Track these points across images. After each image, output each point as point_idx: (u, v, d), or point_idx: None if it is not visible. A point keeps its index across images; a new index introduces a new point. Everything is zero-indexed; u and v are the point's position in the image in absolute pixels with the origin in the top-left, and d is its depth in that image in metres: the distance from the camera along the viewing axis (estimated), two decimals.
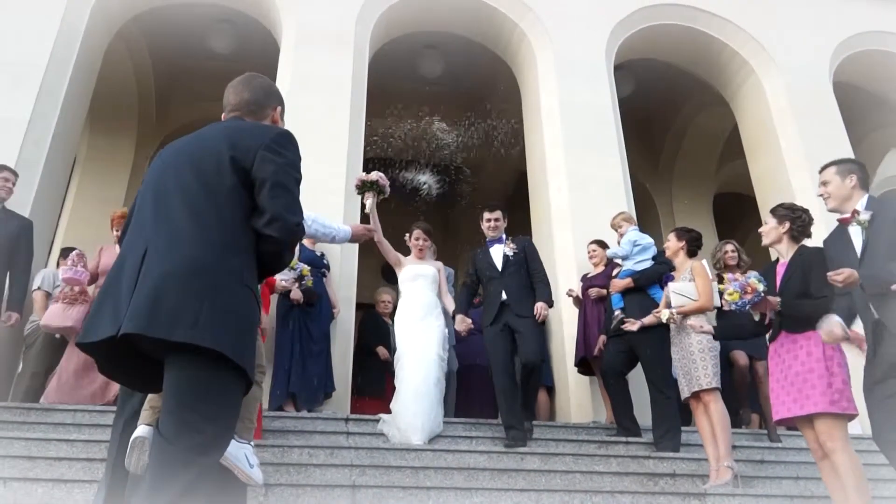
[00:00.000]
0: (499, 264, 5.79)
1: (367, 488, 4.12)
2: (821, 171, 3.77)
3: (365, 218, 5.48)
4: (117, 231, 5.71)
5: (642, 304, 5.70)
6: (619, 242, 6.50)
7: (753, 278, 3.73)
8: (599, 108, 8.60)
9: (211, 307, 1.91)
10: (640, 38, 9.61)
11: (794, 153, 8.70)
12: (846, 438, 3.39)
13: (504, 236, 5.94)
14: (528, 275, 5.78)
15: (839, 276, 3.26)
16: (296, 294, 5.87)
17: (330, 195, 7.23)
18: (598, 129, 8.43)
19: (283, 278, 5.60)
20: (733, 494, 4.35)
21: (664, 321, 5.04)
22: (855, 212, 3.51)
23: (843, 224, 3.58)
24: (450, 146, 11.28)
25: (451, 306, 6.00)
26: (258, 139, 2.17)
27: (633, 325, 5.34)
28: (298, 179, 2.23)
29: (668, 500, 4.29)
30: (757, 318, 3.87)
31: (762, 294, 3.67)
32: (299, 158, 2.26)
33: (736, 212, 13.30)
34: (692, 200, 12.92)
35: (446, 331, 5.88)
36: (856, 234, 3.51)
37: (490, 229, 5.96)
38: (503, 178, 12.30)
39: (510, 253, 5.79)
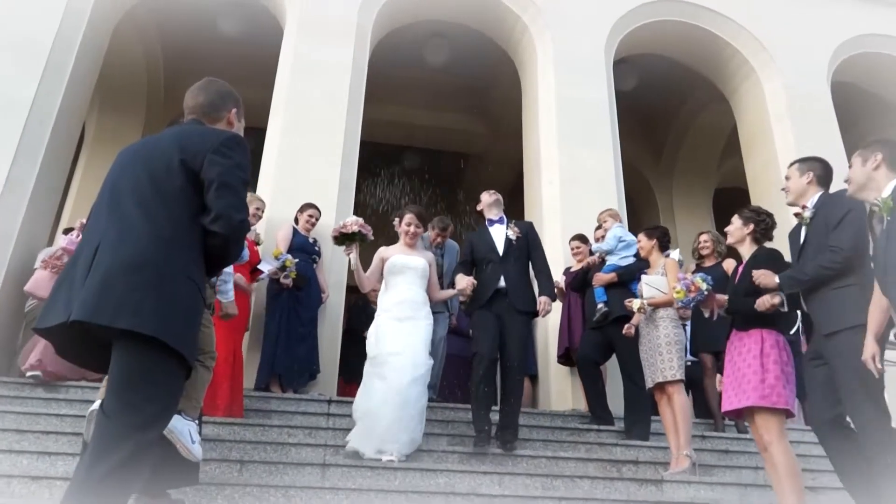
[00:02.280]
0: (500, 247, 5.32)
1: (336, 467, 4.30)
2: (788, 168, 3.93)
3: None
4: None
5: (624, 298, 5.82)
6: (596, 238, 6.67)
7: (698, 278, 3.91)
8: (596, 104, 8.72)
9: (154, 298, 2.11)
10: (642, 33, 9.68)
11: (788, 153, 8.74)
12: (781, 432, 3.56)
13: (504, 217, 5.52)
14: (528, 263, 5.41)
15: (758, 277, 3.57)
16: (285, 279, 6.05)
17: (324, 182, 7.41)
18: (593, 125, 8.55)
19: (266, 269, 5.68)
20: (689, 482, 4.53)
21: (635, 310, 5.21)
22: (803, 207, 3.67)
23: (798, 218, 3.74)
24: None
25: (442, 296, 5.59)
26: (207, 143, 2.35)
27: (630, 331, 5.44)
28: (245, 180, 2.41)
29: (626, 486, 4.47)
30: (707, 314, 4.03)
31: (705, 292, 3.83)
32: (247, 160, 2.43)
33: (737, 206, 13.36)
34: (693, 194, 13.05)
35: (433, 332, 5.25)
36: (804, 232, 3.67)
37: (489, 195, 5.59)
38: (506, 167, 12.40)
39: (513, 236, 5.34)
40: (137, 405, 2.05)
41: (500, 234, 5.40)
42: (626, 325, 5.48)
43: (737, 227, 4.16)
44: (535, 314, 5.32)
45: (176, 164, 2.30)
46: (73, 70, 7.80)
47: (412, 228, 5.32)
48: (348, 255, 5.08)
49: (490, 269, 5.26)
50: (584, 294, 6.42)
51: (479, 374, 5.01)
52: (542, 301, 5.17)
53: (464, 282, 5.10)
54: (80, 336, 2.17)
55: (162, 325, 2.10)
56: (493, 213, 5.55)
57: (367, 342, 5.01)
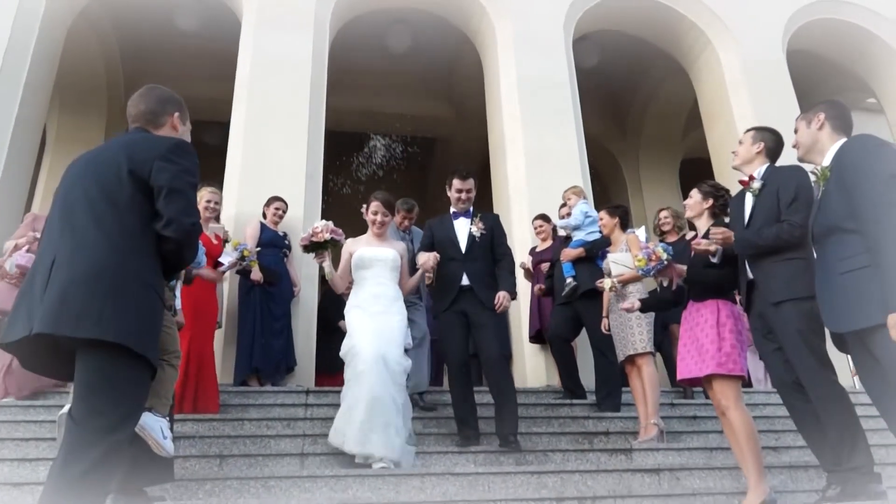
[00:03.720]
0: (463, 244, 5.04)
1: (314, 456, 4.41)
2: (745, 133, 4.05)
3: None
4: None
5: (592, 272, 5.97)
6: (560, 215, 6.79)
7: (660, 248, 4.03)
8: (557, 83, 8.82)
9: (114, 305, 2.19)
10: (601, 10, 9.77)
11: (746, 122, 8.89)
12: (738, 397, 3.71)
13: (471, 210, 5.18)
14: (493, 258, 5.08)
15: (717, 234, 3.70)
16: (256, 275, 6.10)
17: (291, 174, 7.45)
18: (555, 104, 8.66)
19: (226, 261, 5.65)
20: (657, 449, 4.70)
21: (607, 290, 5.34)
22: (751, 177, 3.81)
23: (743, 186, 3.88)
24: None
25: (412, 284, 5.15)
26: (153, 151, 2.42)
27: (606, 325, 5.56)
28: (193, 184, 2.48)
29: (597, 457, 4.63)
30: (665, 283, 4.15)
31: (665, 262, 3.96)
32: (195, 165, 2.50)
33: (703, 177, 13.58)
34: (659, 167, 13.24)
35: (408, 330, 4.89)
36: (749, 200, 3.81)
37: (460, 201, 5.13)
38: (474, 150, 12.49)
39: (477, 234, 5.03)
40: (104, 410, 2.14)
41: (463, 230, 5.10)
42: (603, 323, 5.60)
43: (696, 201, 4.26)
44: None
45: (125, 174, 2.36)
46: (30, 72, 7.77)
47: (379, 217, 4.96)
48: (320, 262, 4.76)
49: (452, 267, 4.98)
50: (554, 272, 6.52)
51: (451, 378, 4.90)
52: (499, 296, 4.85)
53: (425, 256, 4.89)
54: (44, 348, 2.25)
55: (124, 331, 2.18)
56: (460, 206, 5.19)
57: (343, 343, 4.69)
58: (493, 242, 5.09)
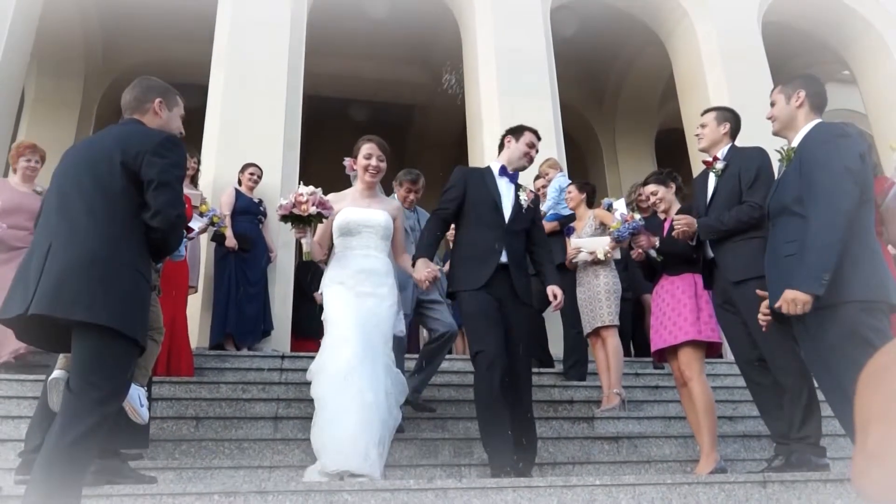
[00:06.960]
0: (507, 212, 4.00)
1: (288, 419, 4.57)
2: (703, 115, 4.12)
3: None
4: (27, 161, 5.43)
5: (563, 246, 6.11)
6: (536, 188, 6.88)
7: (634, 212, 4.16)
8: (534, 54, 8.87)
9: (105, 291, 2.40)
10: None
11: (720, 95, 9.06)
12: (702, 369, 3.91)
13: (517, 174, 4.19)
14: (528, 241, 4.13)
15: (680, 222, 3.80)
16: (230, 242, 6.20)
17: (269, 141, 7.48)
18: (532, 75, 8.71)
19: (196, 226, 5.53)
20: (618, 417, 4.91)
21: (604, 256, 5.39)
22: (715, 158, 3.93)
23: (707, 167, 4.00)
24: None
25: (408, 266, 4.01)
26: (145, 145, 2.60)
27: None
28: (180, 177, 2.69)
29: (560, 424, 4.83)
30: (636, 253, 4.26)
31: (639, 225, 4.09)
32: (182, 158, 2.71)
33: (678, 148, 13.76)
34: (635, 136, 13.36)
35: (401, 313, 4.04)
36: (712, 180, 3.93)
37: (527, 156, 4.15)
38: (453, 117, 12.52)
39: (525, 204, 4.07)
40: (98, 383, 2.37)
41: (508, 195, 4.08)
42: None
43: (665, 191, 4.42)
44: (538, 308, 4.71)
45: (117, 166, 2.54)
46: (9, 36, 7.67)
47: (374, 161, 3.93)
48: (300, 237, 3.84)
49: (488, 235, 3.92)
50: None
51: (487, 383, 3.63)
52: (554, 293, 3.97)
53: (424, 272, 3.74)
54: (40, 325, 2.47)
55: (114, 314, 2.40)
56: (523, 163, 4.18)
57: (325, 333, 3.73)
58: (532, 220, 4.17)
